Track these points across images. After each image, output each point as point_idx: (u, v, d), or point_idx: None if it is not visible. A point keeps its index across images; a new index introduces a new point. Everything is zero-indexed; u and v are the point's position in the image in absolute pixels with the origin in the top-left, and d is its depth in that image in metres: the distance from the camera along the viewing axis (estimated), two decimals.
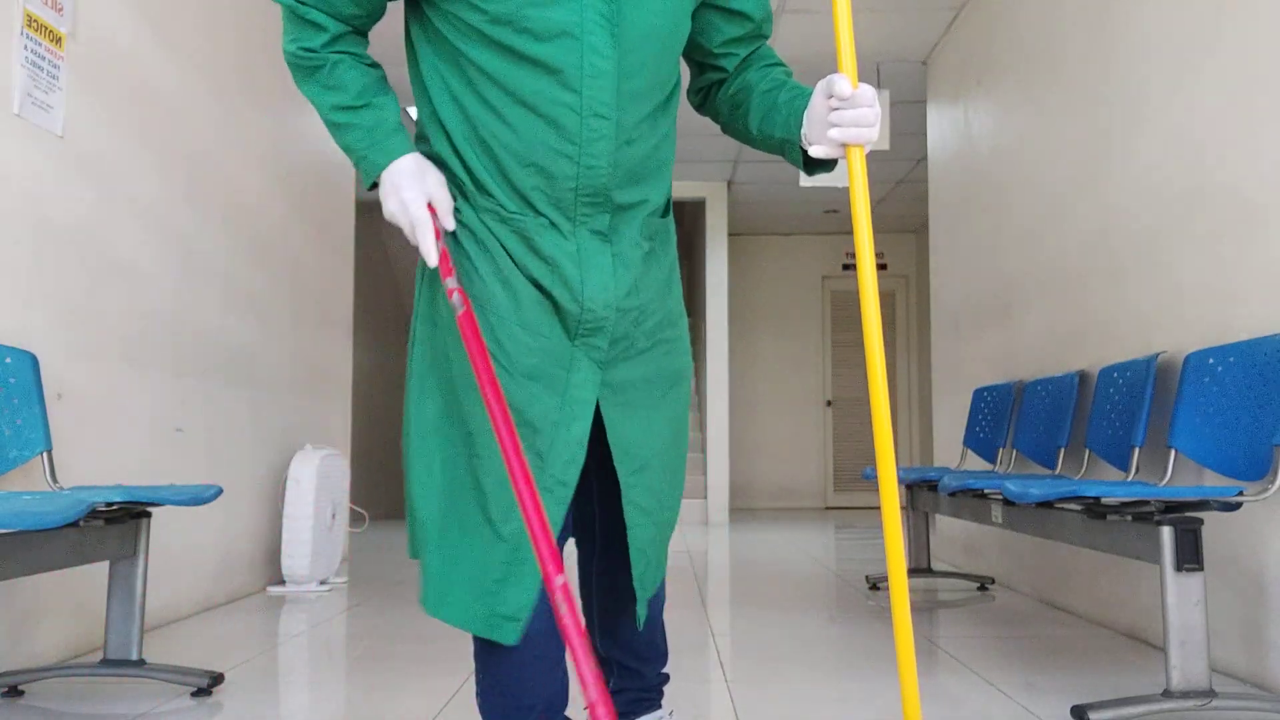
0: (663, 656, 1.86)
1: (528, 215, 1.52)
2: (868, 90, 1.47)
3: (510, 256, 1.53)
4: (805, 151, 1.57)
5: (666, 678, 1.89)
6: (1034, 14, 4.45)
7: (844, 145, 1.49)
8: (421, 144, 1.60)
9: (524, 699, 1.54)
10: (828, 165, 1.58)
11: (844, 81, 1.45)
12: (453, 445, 1.54)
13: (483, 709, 1.59)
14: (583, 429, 1.54)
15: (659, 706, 1.85)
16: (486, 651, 1.54)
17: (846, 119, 1.46)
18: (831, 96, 1.47)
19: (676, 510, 1.71)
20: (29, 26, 2.97)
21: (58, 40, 3.11)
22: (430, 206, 1.51)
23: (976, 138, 5.26)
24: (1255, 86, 2.85)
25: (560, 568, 1.27)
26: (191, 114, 4.00)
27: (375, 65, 1.58)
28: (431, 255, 1.49)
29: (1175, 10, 3.28)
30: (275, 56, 4.90)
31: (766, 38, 1.71)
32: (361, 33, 1.58)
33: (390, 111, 1.54)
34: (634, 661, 1.83)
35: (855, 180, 1.49)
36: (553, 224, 1.53)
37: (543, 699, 1.55)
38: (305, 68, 1.53)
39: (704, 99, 1.76)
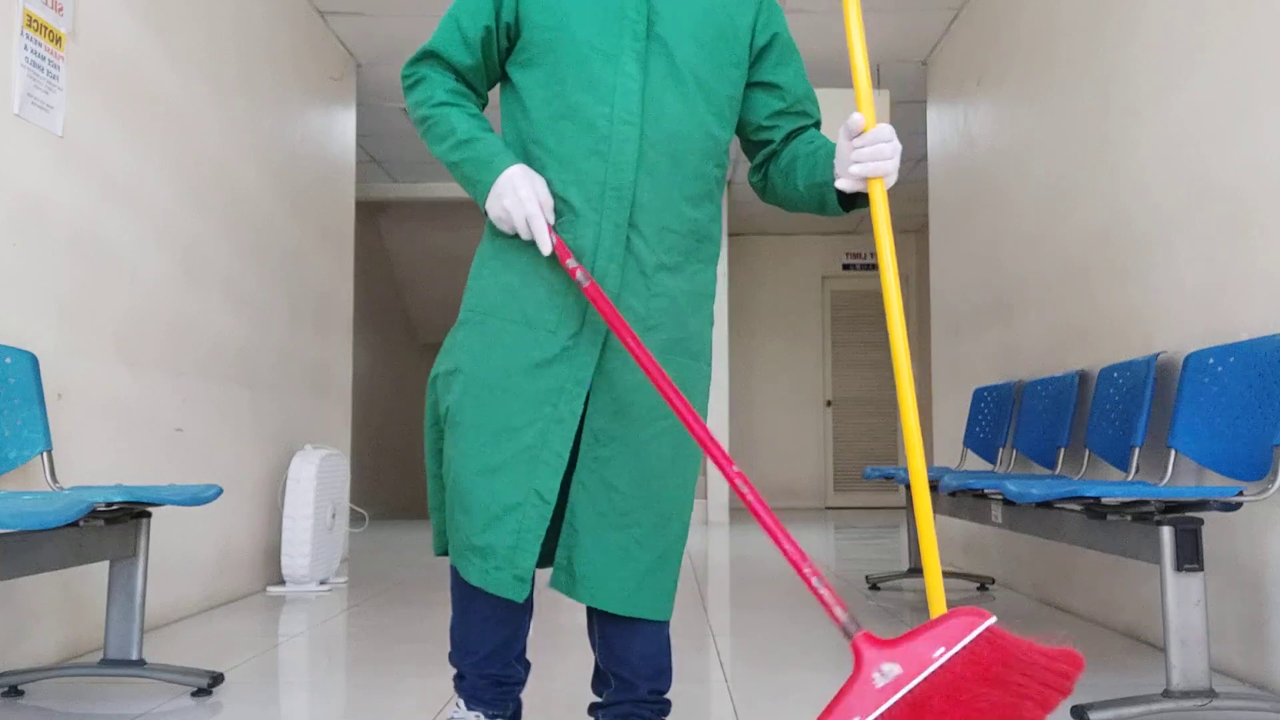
0: (660, 675, 1.92)
1: (560, 215, 1.80)
2: (885, 128, 1.65)
3: (524, 272, 1.81)
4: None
5: (664, 700, 1.94)
6: (1034, 14, 4.45)
7: (864, 179, 1.68)
8: None
9: (481, 645, 1.90)
10: (863, 202, 1.76)
11: (860, 119, 1.66)
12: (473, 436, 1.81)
13: (453, 636, 1.95)
14: (572, 410, 1.78)
15: None
16: (462, 598, 1.91)
17: (865, 155, 1.66)
18: (853, 135, 1.68)
19: (659, 530, 1.83)
20: (29, 26, 2.97)
21: (58, 40, 3.11)
22: (540, 203, 1.77)
23: (976, 138, 5.26)
24: (1255, 86, 2.85)
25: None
26: (192, 114, 4.00)
27: (482, 117, 1.88)
28: (546, 245, 1.75)
29: (1174, 10, 3.28)
30: (275, 56, 4.90)
31: (812, 119, 1.94)
32: (474, 89, 1.91)
33: (496, 141, 1.83)
34: (628, 674, 1.89)
35: (877, 209, 1.66)
36: (579, 214, 1.78)
37: (492, 645, 1.90)
38: (426, 126, 1.87)
39: (763, 178, 1.98)
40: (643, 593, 1.82)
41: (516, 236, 1.79)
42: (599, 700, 1.96)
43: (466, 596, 1.89)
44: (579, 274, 1.73)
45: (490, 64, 1.89)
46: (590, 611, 1.92)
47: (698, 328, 1.88)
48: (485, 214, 1.84)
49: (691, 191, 1.84)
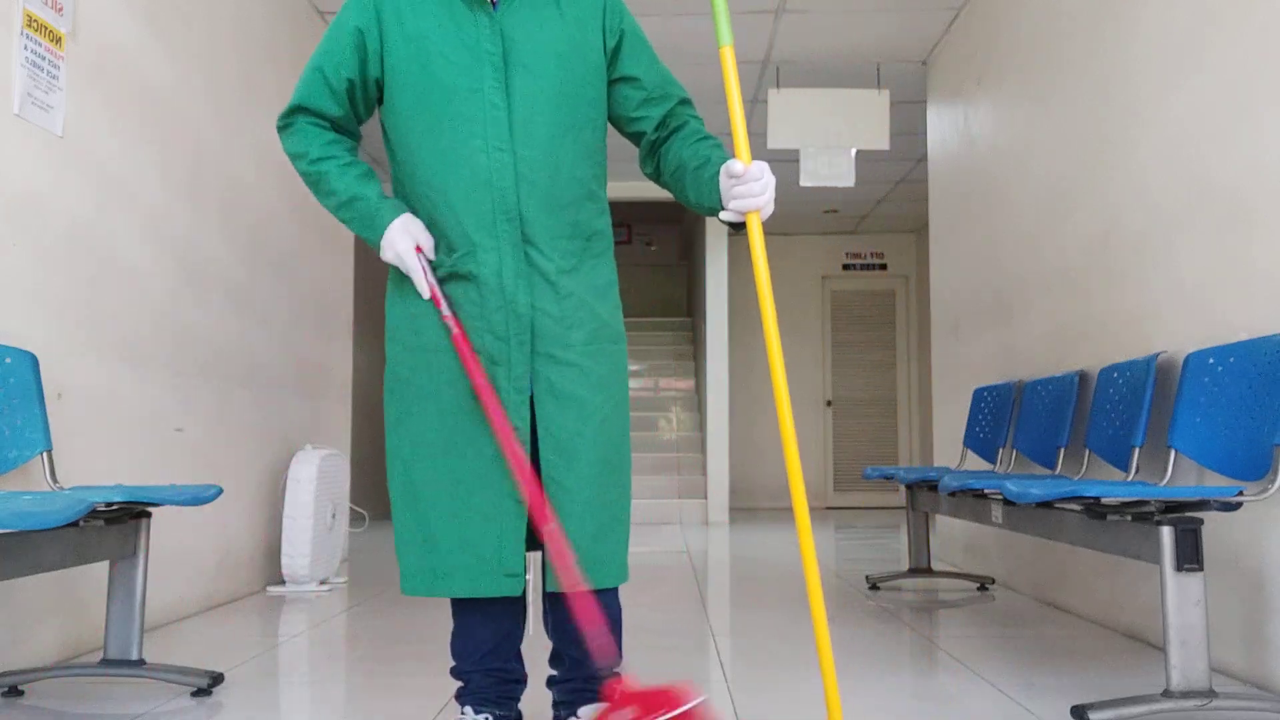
0: (609, 655, 2.01)
1: (455, 245, 1.98)
2: (756, 168, 1.89)
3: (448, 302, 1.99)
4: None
5: (615, 675, 2.02)
6: (1034, 14, 4.45)
7: (742, 213, 1.91)
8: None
9: (482, 644, 2.06)
10: (740, 226, 1.96)
11: (737, 164, 1.90)
12: (437, 449, 2.00)
13: (453, 649, 2.10)
14: (523, 418, 1.96)
15: (598, 699, 2.00)
16: (460, 609, 2.07)
17: (740, 193, 1.90)
18: (732, 176, 1.90)
19: (607, 505, 2.01)
20: (29, 26, 2.97)
21: (58, 40, 3.11)
22: (418, 248, 1.98)
23: (976, 138, 5.26)
24: (1255, 86, 2.85)
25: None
26: (192, 114, 4.00)
27: (357, 163, 2.05)
28: (424, 290, 1.97)
29: (1174, 10, 3.28)
30: (274, 56, 4.90)
31: (676, 98, 2.11)
32: (347, 132, 2.08)
33: (373, 195, 2.01)
34: (577, 652, 2.01)
35: (754, 238, 1.92)
36: (478, 244, 1.96)
37: (492, 642, 2.06)
38: (310, 183, 2.06)
39: (655, 171, 2.15)
40: (600, 567, 1.99)
41: (438, 279, 2.00)
42: (554, 675, 2.14)
43: (462, 606, 2.06)
44: (450, 321, 1.96)
45: (359, 111, 2.07)
46: (545, 600, 2.05)
47: (609, 314, 2.07)
48: None
49: (575, 195, 2.02)
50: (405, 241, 1.97)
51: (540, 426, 1.97)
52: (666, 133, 2.10)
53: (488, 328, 1.97)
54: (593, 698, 2.03)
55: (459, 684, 2.10)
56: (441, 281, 1.98)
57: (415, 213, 2.02)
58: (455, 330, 1.94)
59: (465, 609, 2.05)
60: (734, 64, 1.95)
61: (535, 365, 1.98)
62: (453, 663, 2.11)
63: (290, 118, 2.08)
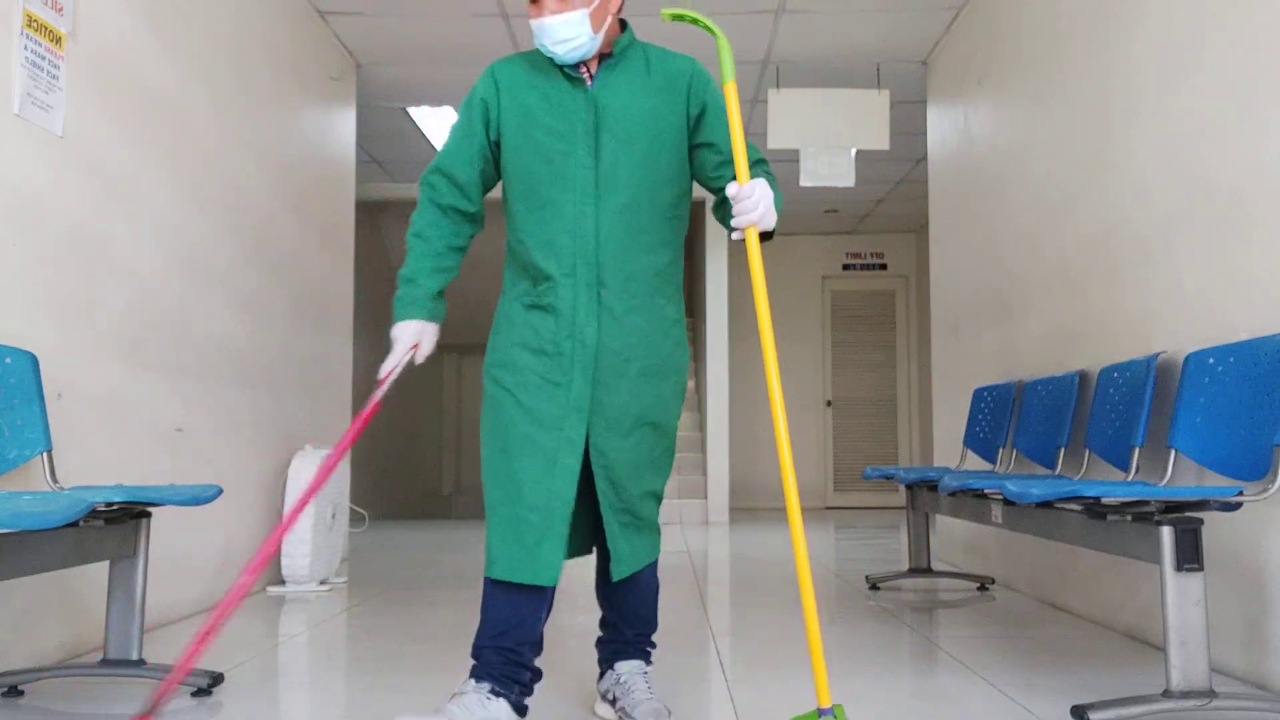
0: (645, 622, 2.47)
1: (540, 282, 2.31)
2: (747, 188, 2.16)
3: (523, 329, 2.32)
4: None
5: (649, 640, 2.49)
6: (1034, 14, 4.45)
7: (740, 228, 2.18)
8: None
9: (499, 624, 2.29)
10: (767, 236, 2.23)
11: (733, 187, 2.18)
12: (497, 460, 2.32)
13: (477, 630, 2.32)
14: (578, 433, 2.27)
15: (634, 657, 2.46)
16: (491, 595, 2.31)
17: (735, 211, 2.17)
18: (730, 198, 2.19)
19: (642, 505, 2.34)
20: (29, 26, 2.97)
21: (58, 40, 3.11)
22: (415, 346, 2.35)
23: (976, 138, 5.26)
24: (1255, 86, 2.85)
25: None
26: (192, 114, 4.00)
27: (441, 255, 2.38)
28: (385, 369, 2.33)
29: (1175, 10, 3.28)
30: (275, 56, 4.90)
31: (754, 160, 2.30)
32: (468, 199, 2.39)
33: (422, 289, 2.36)
34: (619, 619, 2.46)
35: (751, 249, 2.19)
36: (558, 283, 2.28)
37: (508, 623, 2.29)
38: (406, 245, 2.39)
39: (721, 216, 2.37)
40: (634, 556, 2.35)
41: (522, 305, 2.34)
42: (601, 636, 2.51)
43: (490, 589, 2.31)
44: (378, 392, 2.30)
45: (486, 173, 2.40)
46: (599, 575, 2.43)
47: (669, 349, 2.36)
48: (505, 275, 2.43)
49: (648, 243, 2.31)
50: (409, 338, 2.34)
51: (591, 440, 2.28)
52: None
53: (560, 353, 2.28)
54: (630, 654, 2.45)
55: (474, 660, 2.30)
56: (527, 309, 2.32)
57: (512, 257, 2.37)
58: (374, 405, 2.29)
59: (492, 592, 2.29)
60: (737, 100, 2.23)
61: (595, 390, 2.28)
62: (474, 640, 2.32)
63: (430, 177, 2.40)
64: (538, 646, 2.33)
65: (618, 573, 2.30)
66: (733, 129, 2.22)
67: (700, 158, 2.37)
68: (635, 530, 2.33)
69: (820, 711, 1.99)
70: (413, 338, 2.34)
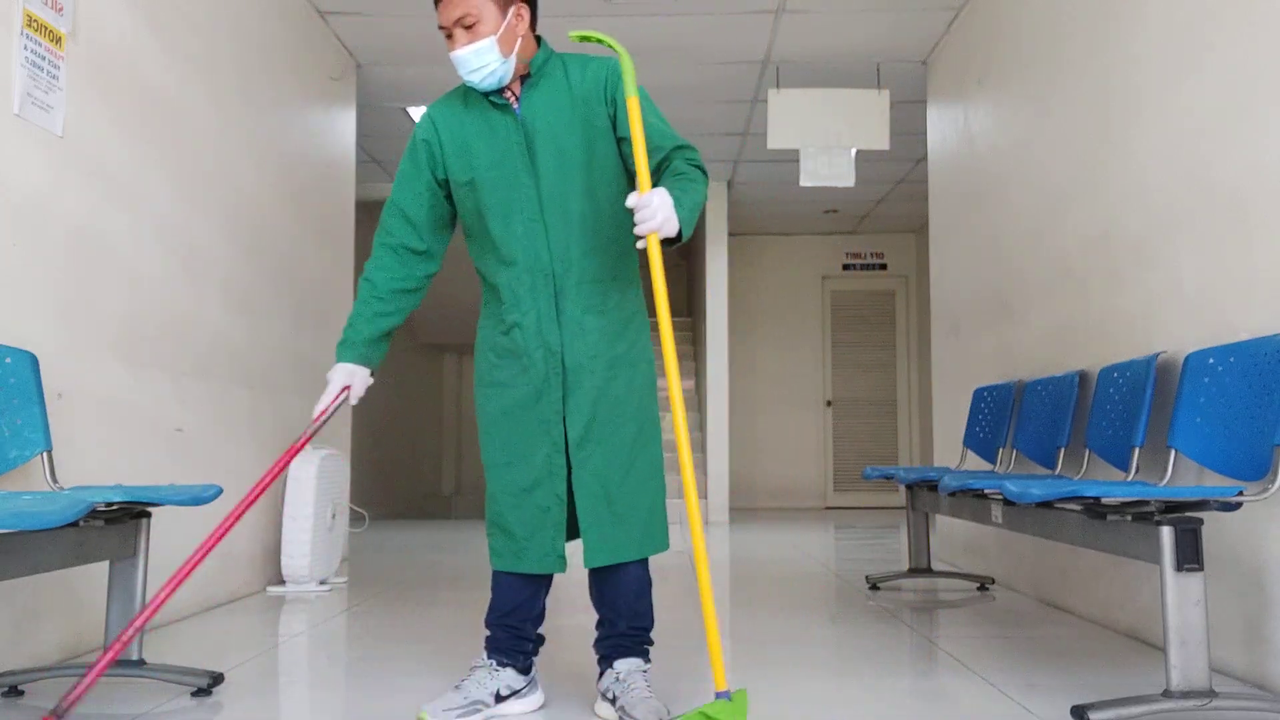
0: (636, 615, 2.53)
1: (505, 301, 2.47)
2: (645, 196, 2.22)
3: (497, 347, 2.51)
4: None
5: (646, 638, 2.55)
6: (1034, 14, 4.45)
7: (642, 236, 2.24)
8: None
9: (506, 604, 2.55)
10: (671, 242, 2.28)
11: (632, 196, 2.25)
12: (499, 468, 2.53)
13: (488, 608, 2.57)
14: (559, 433, 2.46)
15: (632, 655, 2.52)
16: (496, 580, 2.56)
17: (638, 219, 2.24)
18: (630, 207, 2.27)
19: (627, 497, 2.46)
20: (29, 26, 2.97)
21: (58, 40, 3.11)
22: (346, 388, 2.49)
23: (976, 137, 5.26)
24: (1257, 86, 2.85)
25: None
26: (192, 114, 4.00)
27: (383, 300, 2.52)
28: (317, 409, 2.47)
29: (1175, 10, 3.28)
30: (275, 57, 4.90)
31: (671, 148, 2.41)
32: (419, 235, 2.52)
33: (361, 333, 2.51)
34: (610, 614, 2.54)
35: (653, 256, 2.26)
36: (521, 300, 2.45)
37: (513, 603, 2.54)
38: (361, 282, 2.55)
39: None
40: (617, 546, 2.46)
41: (494, 325, 2.52)
42: (597, 634, 2.58)
43: (496, 576, 2.55)
44: (310, 429, 2.41)
45: (439, 208, 2.54)
46: (589, 575, 2.53)
47: (631, 339, 2.50)
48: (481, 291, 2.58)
49: (597, 245, 2.45)
50: (340, 380, 2.49)
51: (570, 437, 2.44)
52: (659, 175, 2.42)
53: (531, 364, 2.45)
54: (627, 652, 2.51)
55: (486, 634, 2.58)
56: (499, 328, 2.50)
57: (481, 281, 2.54)
58: (304, 440, 2.40)
59: (498, 578, 2.54)
60: (639, 113, 2.32)
61: (568, 393, 2.44)
62: (485, 615, 2.58)
63: (383, 218, 2.55)
64: (539, 618, 2.58)
65: (589, 560, 2.44)
66: (634, 140, 2.30)
67: (625, 151, 2.46)
68: (613, 523, 2.44)
69: (717, 694, 2.11)
70: (344, 380, 2.49)
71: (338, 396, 2.48)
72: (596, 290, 2.46)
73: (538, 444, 2.45)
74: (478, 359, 2.58)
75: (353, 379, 2.50)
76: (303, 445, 2.39)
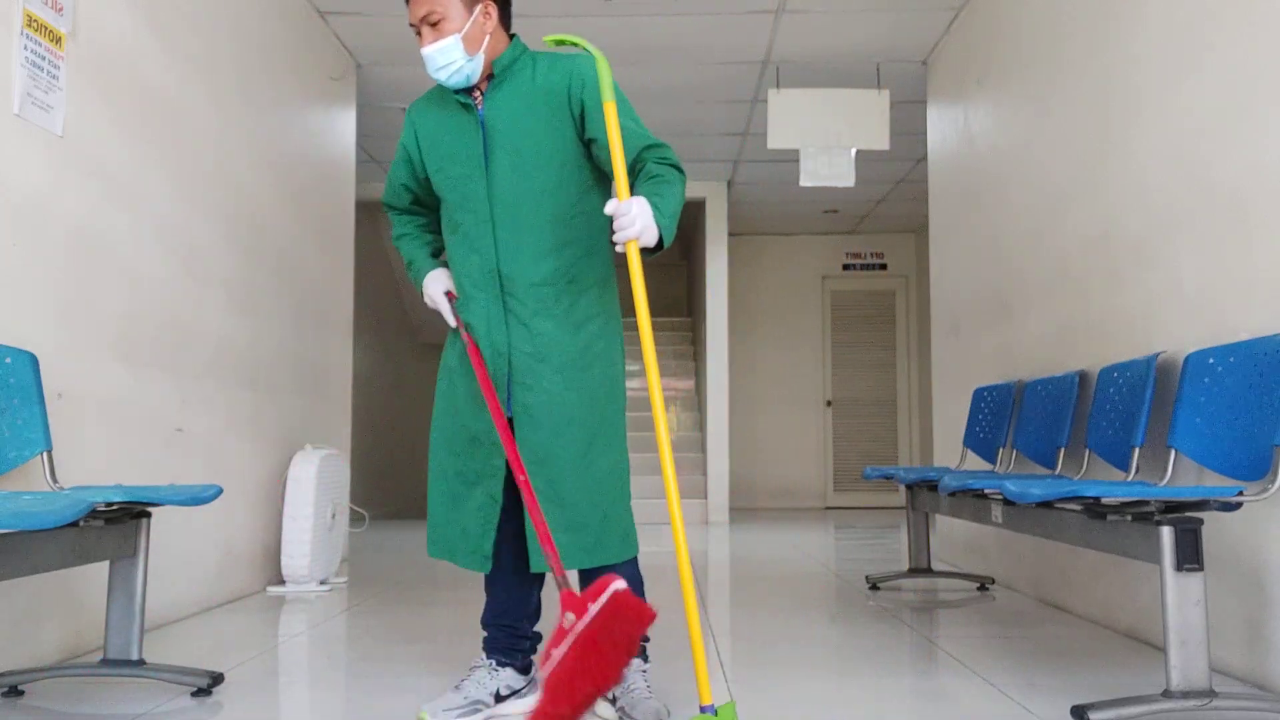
0: None
1: (459, 298, 2.53)
2: (625, 204, 2.21)
3: (456, 341, 2.56)
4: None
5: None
6: (1034, 14, 4.45)
7: (621, 244, 2.23)
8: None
9: (498, 603, 2.62)
10: (652, 251, 2.27)
11: (612, 203, 2.23)
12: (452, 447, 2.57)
13: (484, 609, 2.65)
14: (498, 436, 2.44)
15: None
16: (489, 582, 2.62)
17: (616, 227, 2.22)
18: (610, 214, 2.25)
19: (588, 498, 2.44)
20: (29, 26, 2.97)
21: (58, 40, 3.11)
22: (450, 294, 2.57)
23: (976, 137, 5.26)
24: (1257, 86, 2.85)
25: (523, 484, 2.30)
26: (192, 114, 4.00)
27: (421, 235, 2.68)
28: (451, 321, 2.55)
29: (1176, 10, 3.28)
30: (275, 57, 4.90)
31: (643, 147, 2.38)
32: (423, 212, 2.67)
33: (421, 259, 2.64)
34: None
35: (632, 264, 2.25)
36: (472, 297, 2.49)
37: (506, 603, 2.61)
38: (396, 246, 2.71)
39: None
40: (600, 548, 2.47)
41: (449, 352, 2.58)
42: None
43: (489, 578, 2.60)
44: (468, 340, 2.47)
45: (426, 200, 2.64)
46: (579, 577, 2.55)
47: (585, 342, 2.47)
48: None
49: (549, 247, 2.43)
50: (436, 288, 2.57)
51: (518, 438, 2.43)
52: (634, 177, 2.40)
53: (482, 363, 2.46)
54: None
55: (484, 634, 2.64)
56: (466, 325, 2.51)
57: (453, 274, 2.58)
58: (471, 347, 2.46)
59: (490, 580, 2.61)
60: (616, 119, 2.29)
61: (513, 392, 2.45)
62: (482, 614, 2.66)
63: (384, 199, 2.69)
64: (535, 615, 2.64)
65: (535, 564, 2.43)
66: (613, 148, 2.28)
67: (596, 151, 2.45)
68: (564, 529, 2.40)
69: (702, 708, 2.08)
70: (441, 285, 2.57)
71: (451, 298, 2.56)
72: (550, 293, 2.45)
73: (480, 445, 2.48)
74: (446, 345, 2.64)
75: (446, 279, 2.59)
76: (474, 349, 2.45)
